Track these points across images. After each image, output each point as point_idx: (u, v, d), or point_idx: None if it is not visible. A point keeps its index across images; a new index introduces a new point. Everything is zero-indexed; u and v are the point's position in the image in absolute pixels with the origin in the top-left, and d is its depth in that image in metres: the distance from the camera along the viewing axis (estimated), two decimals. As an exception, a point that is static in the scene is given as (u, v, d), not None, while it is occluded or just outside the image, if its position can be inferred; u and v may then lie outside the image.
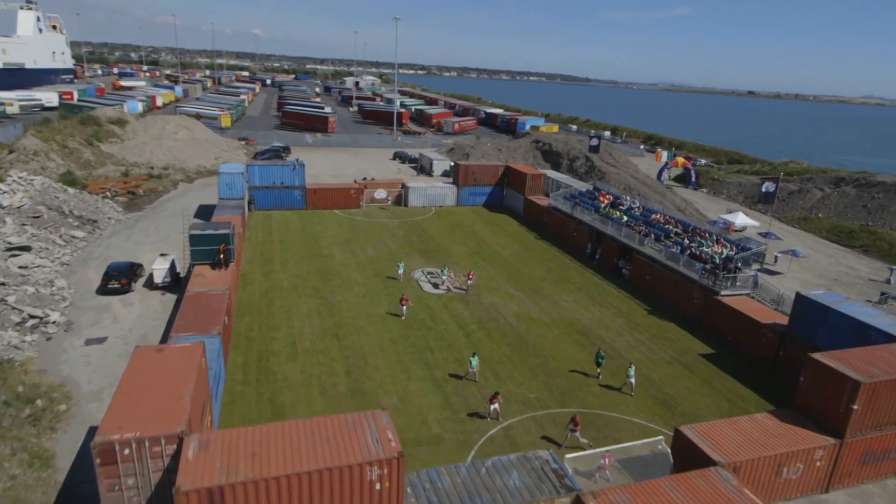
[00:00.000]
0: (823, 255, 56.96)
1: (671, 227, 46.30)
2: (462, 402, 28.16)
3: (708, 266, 38.69)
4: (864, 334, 27.43)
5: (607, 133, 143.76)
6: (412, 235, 54.63)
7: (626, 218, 49.52)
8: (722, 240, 41.85)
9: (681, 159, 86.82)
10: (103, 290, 37.47)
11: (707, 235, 43.24)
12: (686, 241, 43.24)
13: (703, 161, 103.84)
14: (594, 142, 69.33)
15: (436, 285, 42.51)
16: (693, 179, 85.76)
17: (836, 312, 28.78)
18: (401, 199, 65.60)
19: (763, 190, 47.14)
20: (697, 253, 40.53)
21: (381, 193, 65.66)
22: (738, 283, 36.86)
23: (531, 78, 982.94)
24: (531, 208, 62.09)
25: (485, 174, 67.49)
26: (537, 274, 46.38)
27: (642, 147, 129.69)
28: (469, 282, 40.20)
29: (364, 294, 40.13)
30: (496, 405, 26.52)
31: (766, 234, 54.84)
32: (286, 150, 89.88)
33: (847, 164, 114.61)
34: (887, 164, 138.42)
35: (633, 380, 29.00)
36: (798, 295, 30.85)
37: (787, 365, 31.36)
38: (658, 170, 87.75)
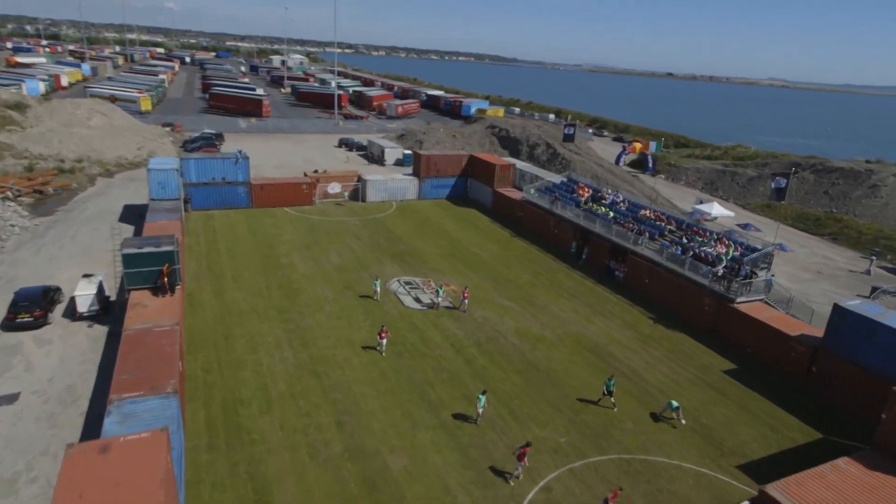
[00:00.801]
0: (797, 245, 56.05)
1: (663, 224, 43.15)
2: (483, 454, 23.51)
3: (716, 269, 35.66)
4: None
5: (551, 116, 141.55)
6: (378, 236, 49.01)
7: (612, 214, 46.03)
8: (725, 239, 38.98)
9: (638, 145, 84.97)
10: (10, 325, 30.08)
11: (706, 234, 40.31)
12: (684, 241, 40.14)
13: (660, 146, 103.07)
14: (569, 130, 65.61)
15: (418, 299, 37.40)
16: (650, 165, 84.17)
17: (885, 327, 26.10)
18: (358, 194, 59.53)
19: (773, 186, 44.84)
20: (701, 254, 37.46)
21: (335, 188, 59.32)
22: (751, 289, 33.94)
23: (460, 58, 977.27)
24: (501, 202, 57.72)
25: (448, 165, 62.41)
26: (525, 279, 42.15)
27: (590, 131, 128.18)
28: (465, 301, 35.31)
29: (338, 315, 34.48)
30: (525, 462, 22.05)
31: (745, 226, 53.08)
32: (219, 137, 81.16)
33: (772, 145, 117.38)
34: (810, 145, 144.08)
35: (677, 412, 25.19)
36: (836, 307, 28.09)
37: (823, 382, 28.71)
38: (616, 156, 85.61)
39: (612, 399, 27.18)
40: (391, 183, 60.36)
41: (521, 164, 65.35)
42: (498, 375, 29.33)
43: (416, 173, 62.10)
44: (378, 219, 54.19)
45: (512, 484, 21.99)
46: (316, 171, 61.23)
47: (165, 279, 29.64)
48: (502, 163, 59.56)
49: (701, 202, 61.39)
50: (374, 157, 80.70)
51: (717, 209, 56.66)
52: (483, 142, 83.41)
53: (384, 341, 29.84)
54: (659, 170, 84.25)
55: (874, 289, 43.58)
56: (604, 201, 49.00)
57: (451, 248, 47.44)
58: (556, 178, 57.54)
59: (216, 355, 29.24)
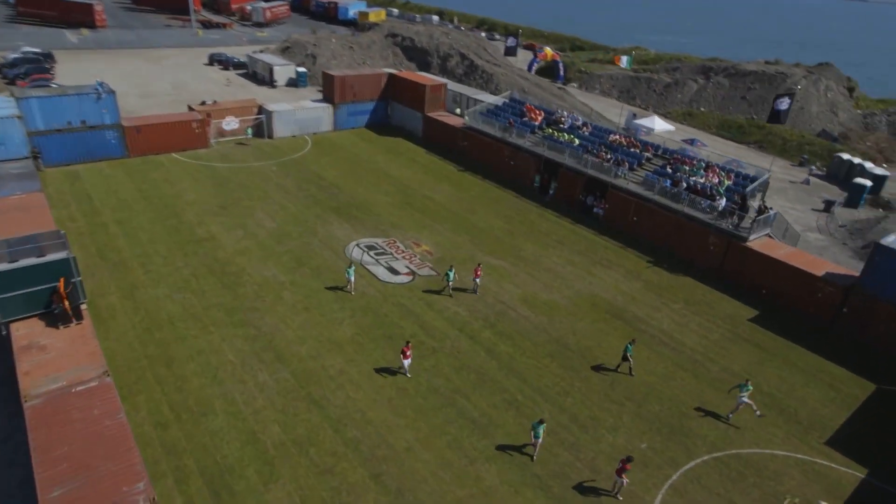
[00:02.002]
0: (715, 153, 55.55)
1: (637, 151, 39.24)
2: (566, 484, 18.93)
3: (717, 204, 32.66)
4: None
5: (435, 17, 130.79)
6: (307, 185, 40.36)
7: (577, 141, 41.21)
8: (715, 167, 35.94)
9: (549, 51, 79.75)
10: None
11: (692, 161, 37.03)
12: (669, 170, 36.63)
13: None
14: (511, 42, 58.04)
15: (392, 269, 30.76)
16: (561, 73, 79.88)
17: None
18: (262, 129, 49.01)
19: (776, 108, 41.89)
20: (697, 186, 34.21)
21: (231, 123, 48.26)
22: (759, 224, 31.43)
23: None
24: (435, 130, 50.48)
25: (365, 87, 53.15)
26: (498, 226, 36.72)
27: (483, 35, 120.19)
28: (476, 280, 29.05)
29: (305, 306, 27.11)
30: (625, 479, 18.02)
31: (691, 142, 51.15)
32: (48, 58, 63.50)
33: (664, 45, 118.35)
34: (695, 43, 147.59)
35: (746, 400, 21.94)
36: (879, 246, 26.13)
37: (856, 323, 27.22)
38: (527, 64, 80.00)
39: (630, 364, 23.88)
40: (301, 113, 50.29)
41: (452, 84, 57.58)
42: (530, 365, 24.41)
43: (328, 99, 52.25)
44: (297, 161, 44.91)
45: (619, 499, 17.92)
46: (204, 103, 49.15)
47: (66, 301, 20.34)
48: (433, 82, 51.60)
49: (635, 116, 58.54)
50: (261, 76, 68.06)
51: (658, 123, 54.05)
52: (385, 54, 73.40)
53: (408, 361, 22.96)
54: (570, 77, 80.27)
55: (828, 203, 43.81)
56: (561, 125, 43.89)
57: (399, 194, 40.30)
58: (495, 99, 51.08)
59: (164, 397, 21.19)
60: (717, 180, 34.66)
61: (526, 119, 45.32)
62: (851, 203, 43.88)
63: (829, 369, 25.75)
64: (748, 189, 33.52)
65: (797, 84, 62.82)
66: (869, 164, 48.32)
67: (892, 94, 75.63)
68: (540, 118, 45.13)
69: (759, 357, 26.12)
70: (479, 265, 28.91)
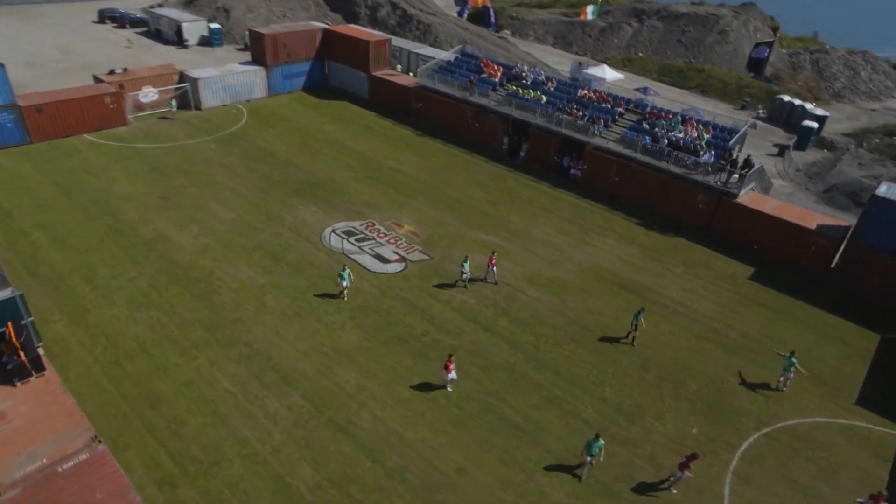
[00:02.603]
0: (670, 102, 55.60)
1: (608, 107, 37.79)
2: (630, 483, 17.79)
3: (702, 160, 32.03)
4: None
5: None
6: (257, 163, 36.00)
7: (544, 98, 39.13)
8: (693, 120, 35.13)
9: (479, -4, 75.95)
10: None
11: (667, 115, 36.04)
12: (645, 126, 35.52)
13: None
14: None
15: (380, 256, 27.96)
16: (493, 20, 76.63)
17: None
18: (188, 100, 43.17)
19: (755, 56, 40.78)
20: (679, 142, 33.36)
21: (150, 94, 42.16)
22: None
23: None
24: (384, 91, 46.58)
25: (299, 45, 47.89)
26: (477, 197, 34.44)
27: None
28: (492, 268, 26.58)
29: (296, 311, 24.03)
30: (688, 473, 17.25)
31: (644, 90, 50.47)
32: None
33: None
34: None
35: (791, 375, 21.71)
36: (877, 199, 26.29)
37: (850, 274, 27.71)
38: (457, 11, 76.00)
39: (635, 333, 23.32)
40: (231, 79, 44.67)
41: (396, 40, 53.11)
42: (557, 354, 22.91)
43: (258, 61, 46.69)
44: (236, 135, 39.98)
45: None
46: (113, 72, 42.41)
47: (21, 353, 16.28)
48: (376, 38, 47.17)
49: (581, 65, 56.94)
50: (166, 35, 60.18)
51: (608, 73, 52.75)
52: (306, 4, 66.87)
53: (451, 375, 20.38)
54: (501, 24, 77.18)
55: (781, 147, 44.72)
56: (524, 81, 41.53)
57: (362, 167, 36.84)
58: (446, 55, 47.61)
59: (160, 447, 17.88)
60: (696, 134, 33.91)
61: (484, 76, 42.50)
62: (800, 146, 45.07)
63: (833, 323, 26.10)
64: (731, 142, 33.03)
65: (730, 26, 63.45)
66: (809, 105, 49.73)
67: (808, 31, 78.58)
68: (499, 74, 42.45)
69: (769, 318, 26.01)
70: (493, 253, 26.61)
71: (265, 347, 21.94)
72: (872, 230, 26.71)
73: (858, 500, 17.22)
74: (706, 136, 33.64)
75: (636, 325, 23.31)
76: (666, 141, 33.54)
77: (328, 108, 46.15)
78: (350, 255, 27.85)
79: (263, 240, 28.53)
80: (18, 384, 16.21)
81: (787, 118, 50.23)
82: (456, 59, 45.79)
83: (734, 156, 31.76)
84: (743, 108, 54.17)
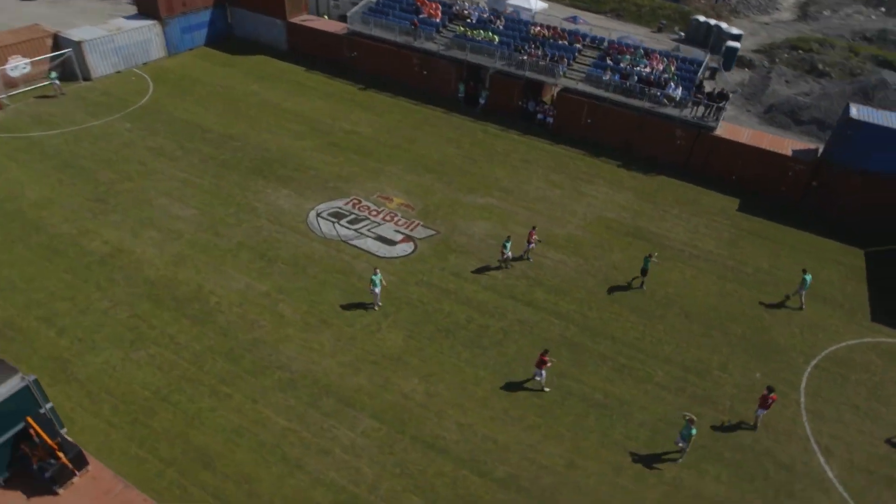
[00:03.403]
0: (603, 30, 55.30)
1: (566, 44, 36.37)
2: (740, 449, 18.05)
3: (674, 94, 32.00)
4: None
5: None
6: (190, 141, 30.94)
7: (496, 38, 36.78)
8: (656, 54, 34.69)
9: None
10: None
11: (630, 49, 35.29)
12: (609, 63, 34.66)
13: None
14: None
15: (385, 239, 25.40)
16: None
17: (905, 134, 26.85)
18: (72, 69, 35.72)
19: None
20: (650, 77, 32.97)
21: (20, 66, 34.35)
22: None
23: None
24: (307, 40, 41.47)
25: (194, -9, 40.93)
26: (453, 155, 32.22)
27: None
28: (531, 245, 24.58)
29: (320, 317, 21.29)
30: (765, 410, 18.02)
31: (573, 19, 49.45)
32: None
33: None
34: None
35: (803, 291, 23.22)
36: (850, 120, 27.61)
37: (826, 194, 29.39)
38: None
39: (643, 278, 23.54)
40: (122, 38, 37.37)
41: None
42: (605, 319, 22.39)
43: (148, 13, 39.34)
44: (150, 108, 33.90)
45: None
46: (-36, 42, 33.64)
47: (60, 453, 12.66)
48: (289, -21, 41.31)
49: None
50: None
51: (533, 2, 50.68)
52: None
53: (544, 372, 18.81)
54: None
55: (712, 69, 46.03)
56: (469, 20, 38.66)
57: (315, 134, 32.93)
58: (370, -7, 42.91)
59: (239, 514, 15.14)
60: (661, 67, 33.63)
61: (423, 16, 38.99)
62: (725, 66, 46.71)
63: (822, 245, 27.79)
64: (699, 73, 33.16)
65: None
66: (724, 25, 51.40)
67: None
68: (439, 13, 39.15)
69: (770, 248, 27.11)
70: (533, 228, 24.80)
71: (304, 367, 19.19)
72: (847, 151, 28.22)
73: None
74: (672, 69, 33.45)
75: (645, 270, 23.25)
76: (636, 77, 32.93)
77: (244, 64, 40.39)
78: (350, 242, 24.94)
79: (243, 236, 24.68)
80: (61, 491, 12.64)
81: (703, 38, 51.62)
82: (385, -2, 41.44)
83: (706, 88, 31.88)
84: (660, 30, 54.97)
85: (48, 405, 13.14)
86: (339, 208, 27.01)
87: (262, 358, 19.37)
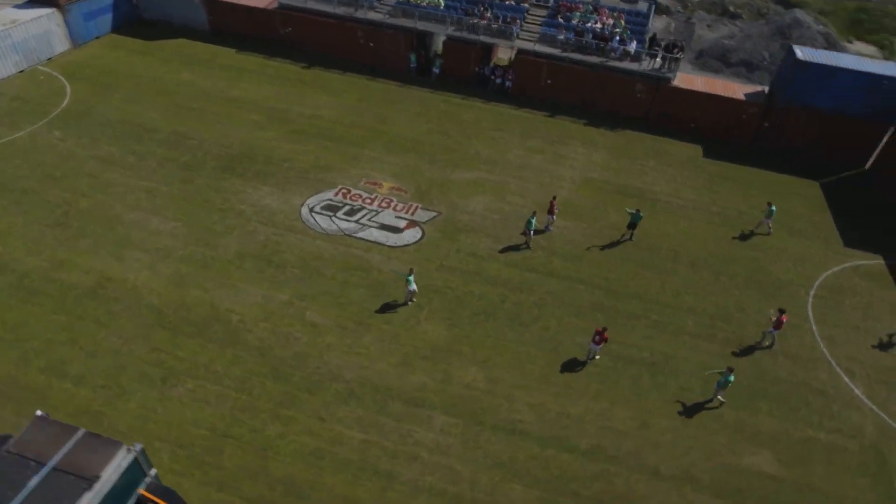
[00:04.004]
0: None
1: (514, 3, 36.02)
2: (784, 387, 19.71)
3: (629, 49, 32.91)
4: (875, 83, 29.21)
5: None
6: (139, 144, 28.00)
7: (442, 2, 35.75)
8: (604, 9, 35.19)
9: None
10: None
11: (578, 6, 35.55)
12: (561, 21, 34.85)
13: None
14: None
15: (389, 227, 24.63)
16: None
17: (844, 71, 29.35)
18: (-31, 73, 30.81)
19: None
20: (605, 33, 33.54)
21: None
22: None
23: None
24: (231, 17, 38.06)
25: (93, -30, 36.13)
26: (427, 130, 31.44)
27: None
28: (552, 217, 24.37)
29: (355, 319, 20.47)
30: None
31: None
32: None
33: None
34: None
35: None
36: (798, 61, 29.75)
37: (777, 132, 31.75)
38: None
39: (632, 231, 24.76)
40: (18, 32, 32.48)
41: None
42: (624, 279, 23.22)
43: (43, 0, 34.39)
44: (75, 110, 30.13)
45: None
46: None
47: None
48: (203, -49, 37.40)
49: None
50: None
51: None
52: None
53: (598, 347, 19.16)
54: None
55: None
56: (408, -14, 37.11)
57: (276, 122, 30.80)
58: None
59: (350, 539, 14.64)
60: (611, 22, 34.30)
61: (359, -16, 36.92)
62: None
63: (783, 180, 30.17)
64: (648, 26, 34.16)
65: None
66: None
67: None
68: (376, -20, 37.20)
69: (742, 189, 29.04)
70: (554, 198, 24.71)
71: (358, 375, 18.48)
72: (794, 91, 30.48)
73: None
74: (622, 23, 34.20)
75: (634, 225, 24.38)
76: (590, 34, 33.39)
77: (164, 51, 36.56)
78: (355, 235, 23.89)
79: (239, 244, 22.92)
80: (189, 561, 11.50)
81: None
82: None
83: (655, 41, 32.99)
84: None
85: (152, 471, 11.80)
86: (331, 200, 25.68)
87: (312, 372, 18.40)
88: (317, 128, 30.49)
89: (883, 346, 21.14)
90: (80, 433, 11.05)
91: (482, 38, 34.23)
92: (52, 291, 20.17)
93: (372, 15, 35.63)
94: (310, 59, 36.46)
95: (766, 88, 33.17)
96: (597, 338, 18.82)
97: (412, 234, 24.29)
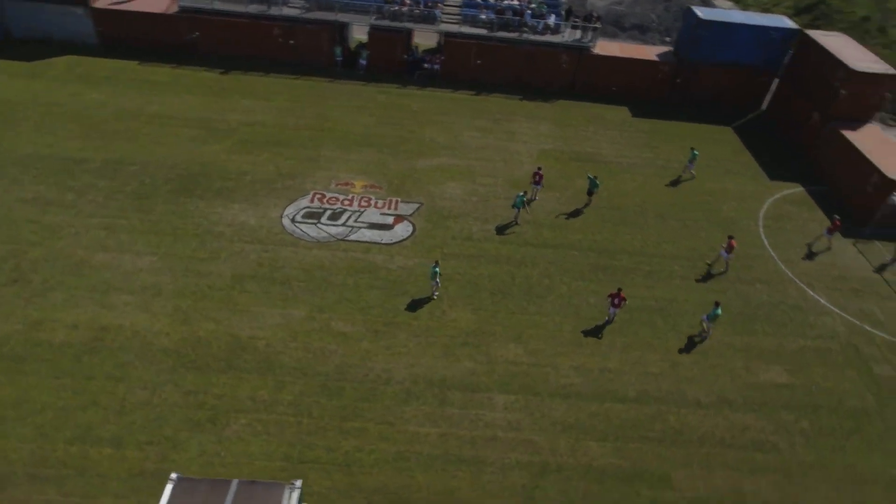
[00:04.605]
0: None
1: (427, -11, 36.29)
2: (762, 307, 22.63)
3: (548, 23, 34.70)
4: (764, 35, 33.37)
5: None
6: (73, 181, 25.18)
7: (356, -7, 35.15)
8: (514, -15, 36.46)
9: None
10: None
11: (488, -14, 36.49)
12: (479, 1, 35.75)
13: None
14: None
15: (379, 225, 24.57)
16: None
17: (743, 26, 33.13)
18: None
19: None
20: (521, 10, 34.98)
21: None
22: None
23: None
24: (125, 28, 34.56)
25: (-51, -13, 31.19)
26: (374, 124, 31.12)
27: None
28: (539, 187, 25.15)
29: (384, 320, 20.46)
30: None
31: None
32: None
33: None
34: None
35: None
36: (701, 21, 33.05)
37: (686, 86, 35.24)
38: None
39: (591, 198, 26.60)
40: None
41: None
42: (609, 239, 25.12)
43: None
44: (-20, 150, 26.37)
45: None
46: None
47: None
48: (81, -45, 33.45)
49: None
50: None
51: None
52: None
53: (618, 310, 20.59)
54: None
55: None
56: (317, -22, 35.99)
57: (213, 135, 28.93)
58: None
59: (464, 529, 15.15)
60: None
61: (265, -20, 35.22)
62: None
63: (702, 129, 33.57)
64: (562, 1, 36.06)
65: None
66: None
67: None
68: (282, -25, 35.65)
69: (674, 142, 31.91)
70: (539, 168, 25.48)
71: (408, 374, 18.65)
72: (697, 48, 33.89)
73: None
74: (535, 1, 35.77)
75: (593, 191, 26.09)
76: (511, 12, 34.64)
77: (54, 70, 32.66)
78: (347, 239, 23.53)
79: (232, 268, 21.74)
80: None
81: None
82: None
83: (570, 13, 35.00)
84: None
85: (302, 507, 11.49)
86: (309, 207, 24.95)
87: (361, 381, 18.24)
88: (261, 134, 29.12)
89: (824, 258, 24.80)
90: (234, 484, 10.59)
91: (406, 24, 34.22)
92: (41, 356, 17.97)
93: (287, 11, 34.19)
94: (225, 64, 34.35)
95: (672, 48, 36.43)
96: (616, 300, 20.30)
97: (403, 229, 24.35)
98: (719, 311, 20.30)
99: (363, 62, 35.36)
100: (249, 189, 25.49)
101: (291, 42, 34.60)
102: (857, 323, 22.16)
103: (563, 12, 35.32)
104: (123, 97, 30.73)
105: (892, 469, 17.56)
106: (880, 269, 24.99)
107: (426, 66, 35.45)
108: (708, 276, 23.48)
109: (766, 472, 17.05)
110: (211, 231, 23.14)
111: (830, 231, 24.93)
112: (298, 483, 10.82)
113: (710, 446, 17.56)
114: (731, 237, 23.18)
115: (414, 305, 20.95)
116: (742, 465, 17.13)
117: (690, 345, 20.60)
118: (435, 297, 21.23)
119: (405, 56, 35.35)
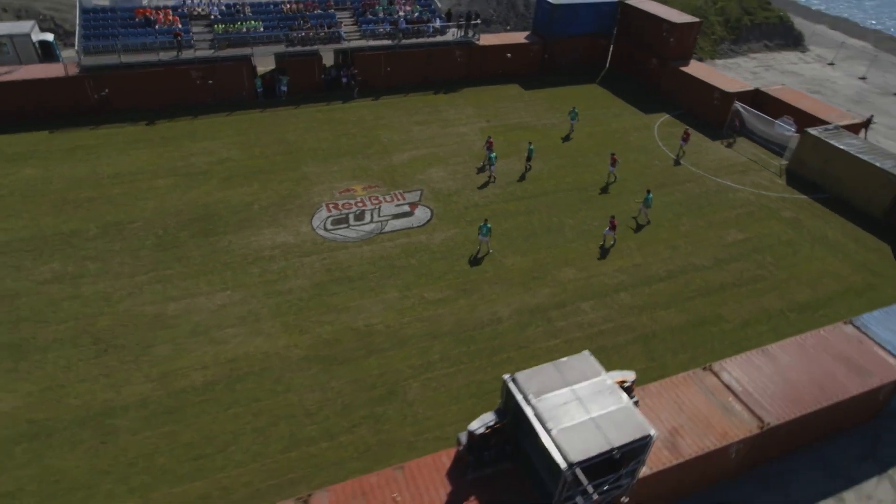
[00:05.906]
0: None
1: (321, 11, 39.09)
2: (694, 242, 30.38)
3: (436, 25, 39.82)
4: (598, 10, 42.27)
5: None
6: (84, 251, 24.19)
7: (261, 26, 36.81)
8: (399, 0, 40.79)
9: None
10: None
11: (376, 2, 40.30)
12: (371, 17, 39.50)
13: None
14: None
15: (400, 215, 27.75)
16: None
17: (584, 6, 41.50)
18: None
19: None
20: (412, 18, 39.58)
21: None
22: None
23: None
24: (16, 97, 32.08)
25: None
26: (328, 138, 33.30)
27: None
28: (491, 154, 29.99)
29: (461, 287, 23.92)
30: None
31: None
32: None
33: None
34: None
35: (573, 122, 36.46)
36: (553, 6, 40.69)
37: (552, 60, 43.00)
38: None
39: (529, 164, 31.93)
40: None
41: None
42: (581, 175, 31.06)
43: None
44: (-58, 251, 23.80)
45: None
46: None
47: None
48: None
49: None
50: None
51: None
52: None
53: (613, 232, 26.13)
54: None
55: None
56: (213, 17, 36.73)
57: (197, 178, 29.02)
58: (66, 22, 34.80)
59: None
60: (409, 8, 40.37)
61: (160, 26, 35.10)
62: None
63: (578, 90, 41.28)
64: (439, 4, 41.17)
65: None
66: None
67: None
68: (177, 19, 35.75)
69: (568, 103, 38.56)
70: (489, 137, 31.58)
71: (514, 310, 22.46)
72: (553, 27, 41.60)
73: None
74: (418, 7, 40.54)
75: (529, 158, 31.58)
76: (404, 23, 38.97)
77: (-47, 158, 29.41)
78: (385, 231, 26.31)
79: (307, 279, 23.33)
80: None
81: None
82: (88, 19, 34.64)
83: (452, 14, 40.40)
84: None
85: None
86: (331, 215, 26.99)
87: (481, 327, 21.63)
88: (238, 168, 29.89)
89: (712, 156, 33.66)
90: (550, 366, 14.01)
91: (318, 47, 36.72)
92: (192, 400, 18.35)
93: (200, 53, 34.53)
94: (144, 116, 33.62)
95: (531, 31, 43.83)
96: (614, 222, 26.12)
97: (423, 213, 27.64)
98: (650, 195, 27.27)
99: (283, 88, 36.94)
100: (265, 215, 26.63)
101: (210, 81, 34.93)
102: (756, 191, 30.95)
103: (443, 15, 40.48)
104: (62, 167, 29.04)
105: (828, 258, 26.00)
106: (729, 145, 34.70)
107: (343, 80, 38.14)
108: (655, 184, 30.49)
109: (768, 291, 24.26)
110: (261, 257, 24.19)
111: (684, 139, 33.57)
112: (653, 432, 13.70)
113: (730, 288, 24.29)
114: (612, 154, 30.55)
115: (475, 263, 24.63)
116: (754, 293, 24.11)
117: (681, 228, 27.31)
118: (491, 252, 25.10)
119: (323, 75, 37.67)
